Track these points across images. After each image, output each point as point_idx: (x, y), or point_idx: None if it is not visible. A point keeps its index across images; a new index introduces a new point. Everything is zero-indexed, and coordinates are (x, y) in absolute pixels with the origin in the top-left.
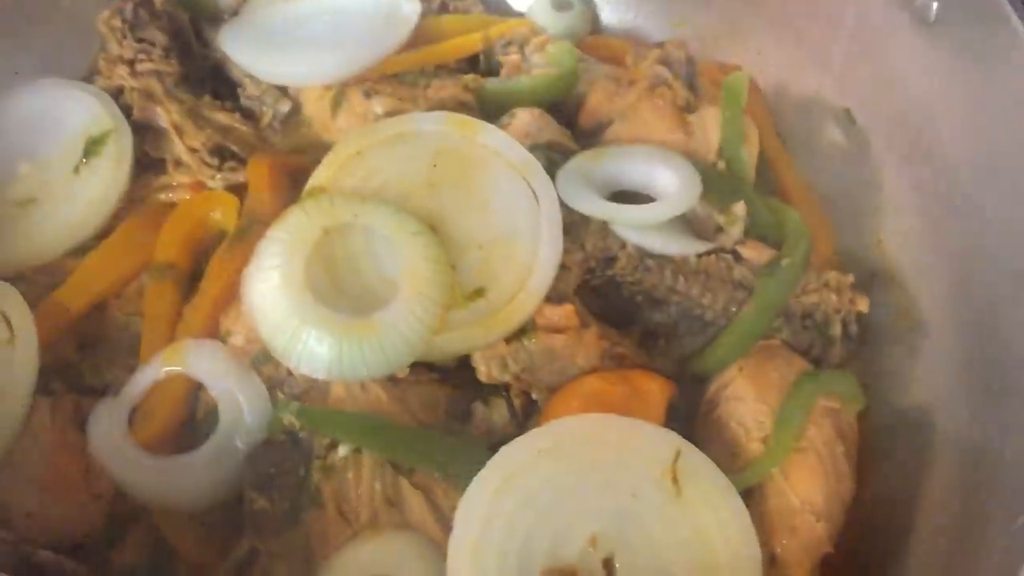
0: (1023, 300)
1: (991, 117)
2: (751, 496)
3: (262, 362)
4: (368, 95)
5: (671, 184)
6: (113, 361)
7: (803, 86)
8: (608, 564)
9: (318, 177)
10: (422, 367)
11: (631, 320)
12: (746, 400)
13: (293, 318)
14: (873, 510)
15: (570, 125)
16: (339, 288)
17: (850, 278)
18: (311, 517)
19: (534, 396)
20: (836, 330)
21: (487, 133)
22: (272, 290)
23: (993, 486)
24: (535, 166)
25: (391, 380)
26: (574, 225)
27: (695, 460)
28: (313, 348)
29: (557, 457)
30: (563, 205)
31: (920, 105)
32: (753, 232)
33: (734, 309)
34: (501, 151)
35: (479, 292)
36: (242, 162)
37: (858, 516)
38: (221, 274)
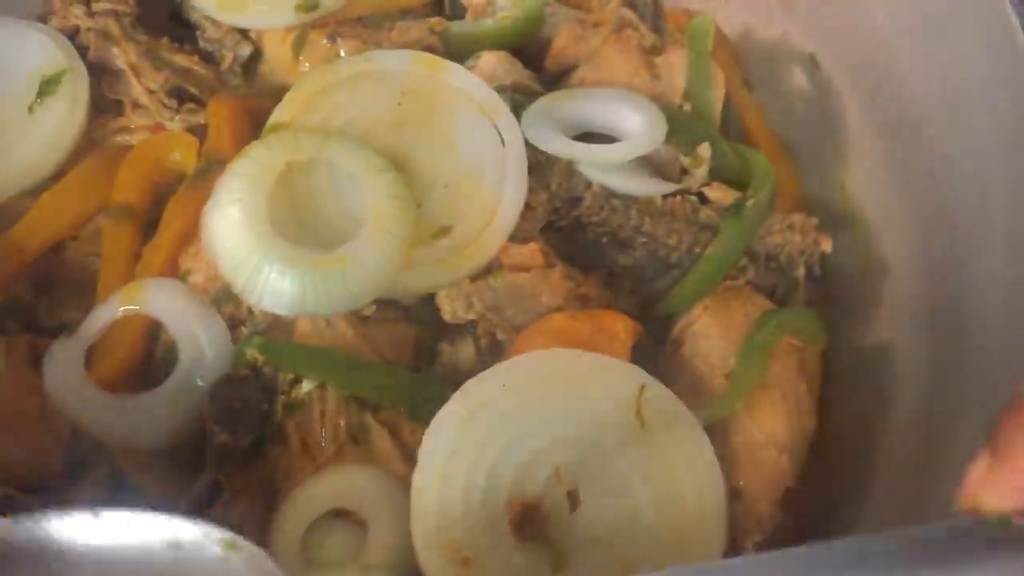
0: (985, 241)
1: (956, 60)
2: (715, 432)
3: (223, 301)
4: (332, 38)
5: (636, 125)
6: (70, 302)
7: (768, 31)
8: (573, 496)
9: (280, 114)
10: (390, 306)
11: (597, 264)
12: (710, 337)
13: (255, 253)
14: (835, 447)
15: (537, 70)
16: (302, 225)
17: (814, 220)
18: (274, 452)
19: (499, 336)
20: (800, 271)
21: (453, 72)
22: (233, 225)
23: (951, 422)
24: (501, 106)
25: (358, 318)
26: (539, 165)
27: (660, 395)
28: (276, 283)
29: (522, 391)
30: (528, 145)
31: (885, 49)
32: (718, 175)
33: (699, 250)
34: (467, 90)
35: (444, 230)
36: (201, 104)
37: (820, 453)
38: (180, 214)
